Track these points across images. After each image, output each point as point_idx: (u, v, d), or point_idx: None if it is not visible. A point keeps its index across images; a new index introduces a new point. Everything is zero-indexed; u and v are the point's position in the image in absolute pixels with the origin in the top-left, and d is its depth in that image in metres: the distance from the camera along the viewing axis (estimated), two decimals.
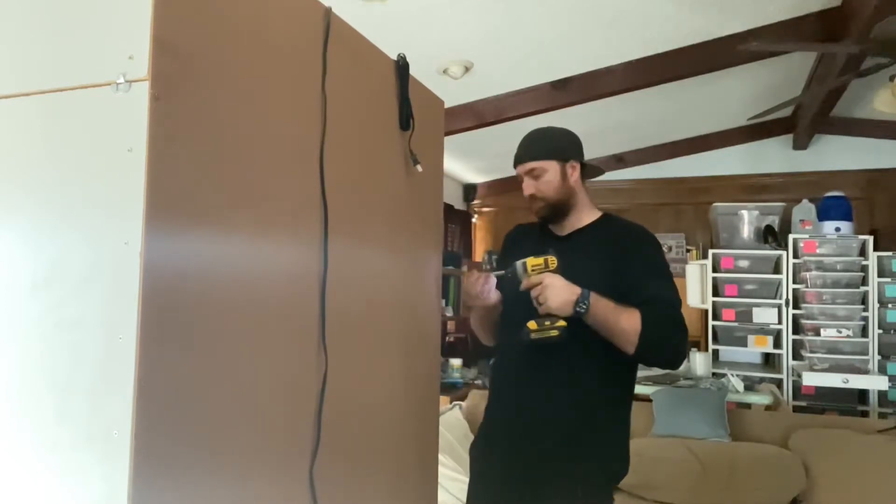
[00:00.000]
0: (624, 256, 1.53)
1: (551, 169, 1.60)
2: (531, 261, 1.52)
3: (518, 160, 1.64)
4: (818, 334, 4.26)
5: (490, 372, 1.78)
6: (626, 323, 1.42)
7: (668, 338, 1.44)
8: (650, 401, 3.41)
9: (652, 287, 1.47)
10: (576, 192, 1.63)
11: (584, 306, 1.42)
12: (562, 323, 1.46)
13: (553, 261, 1.51)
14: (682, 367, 4.11)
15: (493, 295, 1.64)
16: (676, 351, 1.45)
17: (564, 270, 1.50)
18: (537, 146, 1.63)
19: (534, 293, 1.48)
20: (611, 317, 1.43)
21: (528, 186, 1.62)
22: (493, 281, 1.63)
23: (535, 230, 1.73)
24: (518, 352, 1.58)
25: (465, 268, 1.55)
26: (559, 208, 1.63)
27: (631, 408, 1.62)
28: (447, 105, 1.55)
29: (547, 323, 1.47)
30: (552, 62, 3.30)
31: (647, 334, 1.41)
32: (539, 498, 1.50)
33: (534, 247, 1.58)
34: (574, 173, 1.62)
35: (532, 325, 1.48)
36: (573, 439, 1.51)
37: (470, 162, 5.23)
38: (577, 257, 1.55)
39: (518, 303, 1.55)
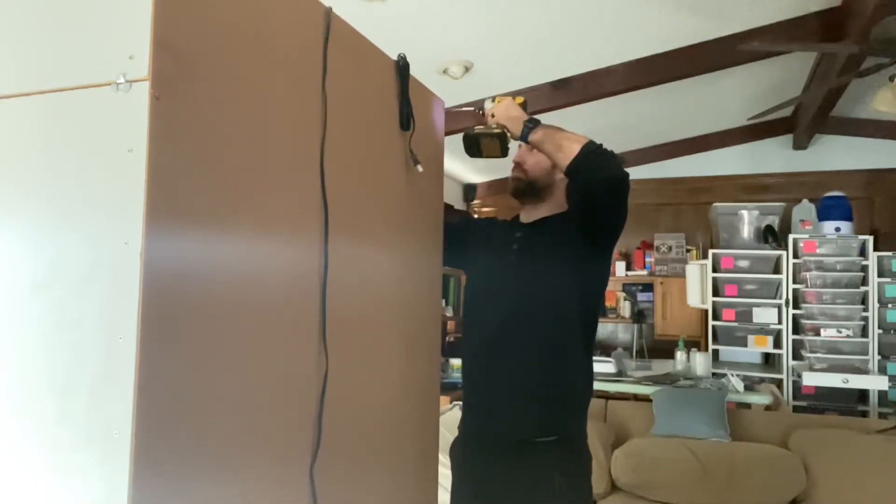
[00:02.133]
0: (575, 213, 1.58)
1: None
2: (499, 97, 1.63)
3: None
4: (818, 334, 4.26)
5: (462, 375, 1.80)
6: (570, 140, 1.47)
7: (608, 159, 1.46)
8: (650, 401, 3.41)
9: None
10: (557, 186, 1.64)
11: (532, 125, 1.52)
12: (506, 131, 1.56)
13: (520, 98, 1.63)
14: (681, 367, 4.10)
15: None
16: (614, 166, 1.45)
17: (527, 256, 1.59)
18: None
19: (487, 115, 1.61)
20: (556, 135, 1.49)
21: (521, 155, 1.67)
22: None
23: (507, 220, 1.78)
24: (479, 354, 1.63)
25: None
26: (534, 188, 1.65)
27: (591, 394, 1.65)
28: (447, 105, 1.55)
29: (494, 126, 1.57)
30: (552, 62, 3.30)
31: (589, 149, 1.45)
32: (519, 489, 1.51)
33: (499, 232, 1.71)
34: None
35: (480, 127, 1.59)
36: (541, 428, 1.52)
37: (470, 162, 5.23)
38: (539, 241, 1.60)
39: (480, 311, 1.63)
